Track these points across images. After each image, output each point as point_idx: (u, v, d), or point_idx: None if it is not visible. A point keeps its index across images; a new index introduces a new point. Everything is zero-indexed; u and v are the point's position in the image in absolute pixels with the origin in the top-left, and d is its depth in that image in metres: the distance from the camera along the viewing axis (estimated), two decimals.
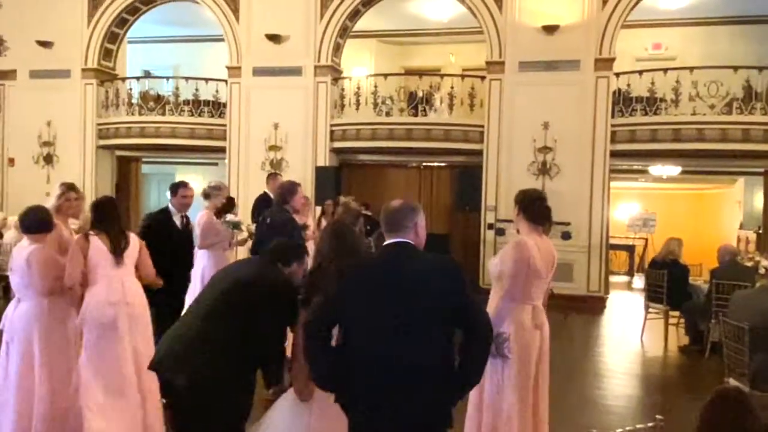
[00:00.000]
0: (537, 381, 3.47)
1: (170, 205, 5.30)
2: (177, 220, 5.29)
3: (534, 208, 3.49)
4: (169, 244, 4.97)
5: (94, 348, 3.85)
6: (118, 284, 3.90)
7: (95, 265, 3.86)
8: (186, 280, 5.37)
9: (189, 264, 5.45)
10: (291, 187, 5.34)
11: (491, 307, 3.38)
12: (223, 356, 2.76)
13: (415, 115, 10.64)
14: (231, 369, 2.77)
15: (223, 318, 2.82)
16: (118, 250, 3.91)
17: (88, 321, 3.86)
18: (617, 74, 9.98)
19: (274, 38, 10.84)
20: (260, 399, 3.30)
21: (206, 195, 5.96)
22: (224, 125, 11.31)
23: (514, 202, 3.62)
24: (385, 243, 2.46)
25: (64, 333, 3.92)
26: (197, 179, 15.11)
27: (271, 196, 6.74)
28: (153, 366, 2.90)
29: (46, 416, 3.80)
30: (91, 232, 3.90)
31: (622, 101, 9.94)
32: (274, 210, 5.30)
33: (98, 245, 3.87)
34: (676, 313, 7.86)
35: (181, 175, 15.90)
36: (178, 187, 5.34)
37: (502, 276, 3.42)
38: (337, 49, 11.03)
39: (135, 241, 4.07)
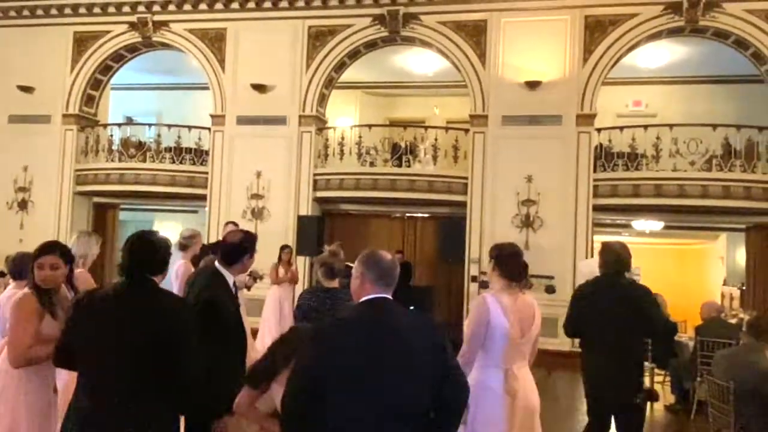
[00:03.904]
0: None
1: (221, 268, 3.47)
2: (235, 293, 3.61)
3: (508, 263, 3.37)
4: (229, 328, 3.41)
5: None
6: None
7: None
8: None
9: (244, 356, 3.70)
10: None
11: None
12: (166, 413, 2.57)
13: (399, 165, 10.79)
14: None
15: (152, 385, 2.52)
16: None
17: None
18: (599, 129, 10.25)
19: (259, 88, 11.02)
20: None
21: (184, 246, 5.87)
22: (206, 173, 11.35)
23: (489, 257, 3.51)
24: (370, 298, 2.28)
25: (32, 389, 3.53)
26: (176, 227, 15.04)
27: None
28: None
29: None
30: None
31: (604, 156, 10.18)
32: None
33: None
34: (662, 371, 7.85)
35: (159, 222, 15.84)
36: (254, 245, 3.57)
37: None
38: (323, 99, 11.23)
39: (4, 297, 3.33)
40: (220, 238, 6.79)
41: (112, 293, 2.61)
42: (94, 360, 2.51)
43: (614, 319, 3.99)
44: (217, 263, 3.51)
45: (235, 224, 7.33)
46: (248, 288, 6.45)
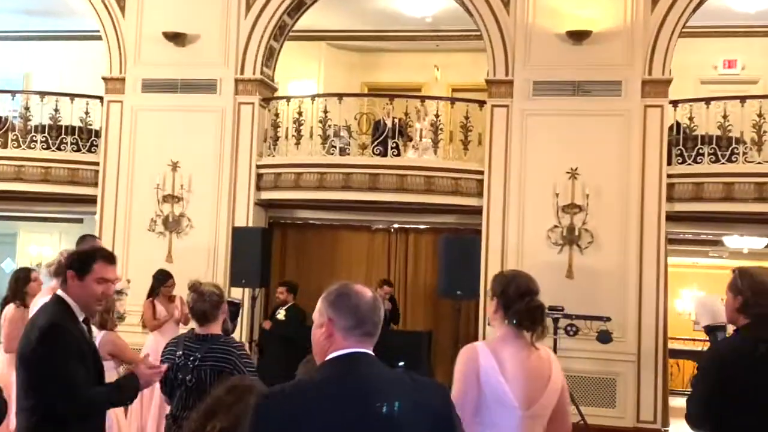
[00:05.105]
0: None
1: (64, 295, 3.67)
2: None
3: (517, 304, 3.37)
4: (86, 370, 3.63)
5: None
6: None
7: None
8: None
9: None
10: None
11: None
12: None
13: (384, 154, 10.78)
14: None
15: None
16: None
17: None
18: (675, 102, 10.32)
19: (175, 38, 11.00)
20: None
21: (58, 271, 5.86)
22: (96, 164, 11.30)
23: (491, 292, 3.51)
24: (341, 355, 2.35)
25: None
26: (52, 243, 14.89)
27: None
28: None
29: None
30: None
31: (683, 141, 10.23)
32: None
33: None
34: None
35: (27, 235, 15.69)
36: (92, 262, 3.70)
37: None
38: (271, 56, 11.24)
39: None
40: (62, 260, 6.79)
41: None
42: None
43: None
44: (59, 290, 3.65)
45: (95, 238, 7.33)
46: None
